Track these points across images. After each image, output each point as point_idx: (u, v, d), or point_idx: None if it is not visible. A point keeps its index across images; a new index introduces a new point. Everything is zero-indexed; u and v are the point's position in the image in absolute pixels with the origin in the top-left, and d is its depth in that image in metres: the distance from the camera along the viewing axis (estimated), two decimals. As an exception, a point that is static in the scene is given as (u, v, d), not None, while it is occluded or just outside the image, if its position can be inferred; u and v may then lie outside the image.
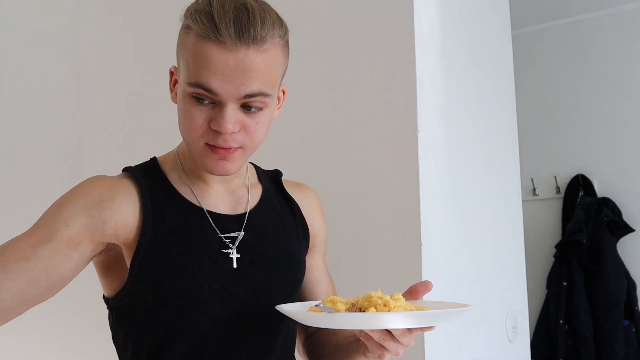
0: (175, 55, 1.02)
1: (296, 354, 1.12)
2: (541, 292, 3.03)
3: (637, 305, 2.87)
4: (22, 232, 0.95)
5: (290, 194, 1.13)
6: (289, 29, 0.98)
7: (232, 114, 0.90)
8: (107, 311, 1.06)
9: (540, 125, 3.25)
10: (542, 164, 3.21)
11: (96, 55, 2.28)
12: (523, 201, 2.01)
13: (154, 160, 1.07)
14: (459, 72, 1.65)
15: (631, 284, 2.89)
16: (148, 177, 1.01)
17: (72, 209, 0.94)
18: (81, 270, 0.96)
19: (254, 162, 1.16)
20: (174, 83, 1.02)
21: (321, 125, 1.60)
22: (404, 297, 0.92)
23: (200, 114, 0.92)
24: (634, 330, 2.83)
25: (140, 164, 1.06)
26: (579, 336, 2.82)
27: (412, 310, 0.88)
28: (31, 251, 0.89)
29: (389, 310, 0.86)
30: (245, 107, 0.92)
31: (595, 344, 2.81)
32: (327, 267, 1.20)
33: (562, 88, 3.24)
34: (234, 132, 0.92)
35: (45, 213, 0.97)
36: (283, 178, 1.16)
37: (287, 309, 0.91)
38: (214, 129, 0.91)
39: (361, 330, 0.89)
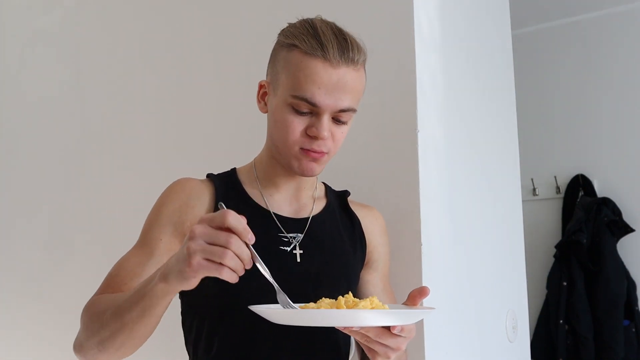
0: (269, 70, 1.14)
1: None
2: (541, 292, 3.03)
3: (637, 305, 2.87)
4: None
5: (354, 211, 1.26)
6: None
7: (327, 124, 1.06)
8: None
9: (540, 125, 3.25)
10: (542, 164, 3.21)
11: (96, 55, 2.27)
12: (523, 201, 2.00)
13: (233, 169, 1.22)
14: (459, 72, 1.65)
15: (631, 284, 2.89)
16: (222, 182, 1.17)
17: (160, 221, 1.10)
18: None
19: (325, 182, 1.29)
20: (262, 95, 1.14)
21: (321, 125, 1.60)
22: (404, 304, 0.97)
23: (299, 123, 1.06)
24: (634, 330, 2.83)
25: (221, 172, 1.21)
26: (579, 336, 2.81)
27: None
28: (140, 269, 1.05)
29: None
30: (335, 120, 1.07)
31: (595, 344, 2.81)
32: (391, 288, 1.27)
33: (562, 88, 3.24)
34: (326, 139, 1.06)
35: (144, 226, 1.13)
36: (351, 198, 1.28)
37: (257, 307, 0.94)
38: (310, 136, 1.06)
39: (357, 333, 0.93)
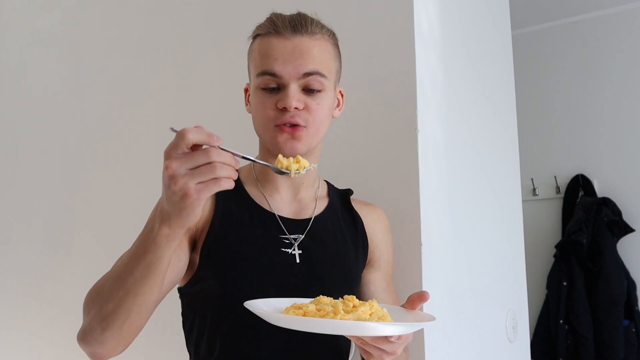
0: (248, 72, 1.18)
1: None
2: (541, 292, 3.03)
3: (637, 305, 2.87)
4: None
5: (357, 210, 1.25)
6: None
7: (294, 92, 1.06)
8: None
9: (540, 125, 3.25)
10: (542, 164, 3.21)
11: (96, 55, 2.27)
12: (523, 201, 2.01)
13: None
14: (459, 72, 1.65)
15: (631, 284, 2.89)
16: None
17: None
18: (186, 266, 1.09)
19: (328, 181, 1.28)
20: (248, 98, 1.18)
21: (321, 125, 1.60)
22: (403, 307, 0.97)
23: (269, 100, 1.08)
24: (634, 330, 2.82)
25: None
26: (579, 336, 2.81)
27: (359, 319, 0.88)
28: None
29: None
30: (307, 91, 1.08)
31: (595, 344, 2.81)
32: (394, 287, 1.27)
33: (562, 88, 3.24)
34: (298, 109, 1.07)
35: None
36: (353, 197, 1.28)
37: (252, 306, 0.93)
38: (280, 109, 1.07)
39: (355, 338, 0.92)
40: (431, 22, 1.53)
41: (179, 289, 1.16)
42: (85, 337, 0.94)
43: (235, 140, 1.80)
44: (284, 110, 1.07)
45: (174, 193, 0.79)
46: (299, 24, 1.08)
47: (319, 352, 1.11)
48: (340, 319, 0.87)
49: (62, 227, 2.27)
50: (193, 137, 0.78)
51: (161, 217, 0.83)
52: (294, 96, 1.06)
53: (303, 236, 1.14)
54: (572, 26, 3.24)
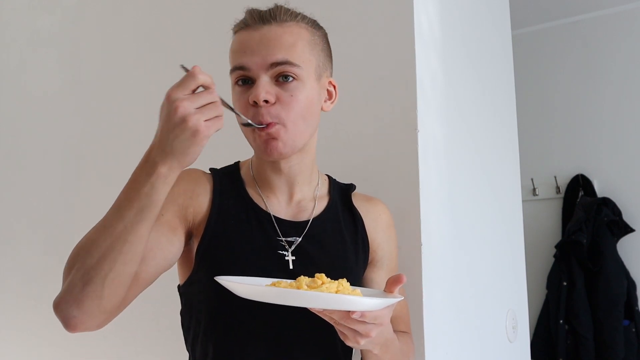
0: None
1: None
2: (541, 292, 3.03)
3: (637, 305, 2.87)
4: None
5: (358, 207, 1.20)
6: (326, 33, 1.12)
7: (264, 84, 1.01)
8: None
9: (540, 125, 3.25)
10: (542, 164, 3.21)
11: (96, 55, 2.27)
12: (523, 201, 2.01)
13: (236, 163, 1.20)
14: (459, 72, 1.65)
15: (631, 284, 2.89)
16: (225, 178, 1.14)
17: (166, 200, 0.98)
18: (179, 255, 1.06)
19: (330, 175, 1.24)
20: None
21: (321, 126, 1.60)
22: (383, 291, 0.96)
23: (242, 96, 1.03)
24: (634, 330, 2.83)
25: (224, 166, 1.19)
26: (579, 336, 2.81)
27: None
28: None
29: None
30: (279, 79, 1.02)
31: (595, 344, 2.81)
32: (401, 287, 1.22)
33: (562, 88, 3.24)
34: (269, 103, 1.01)
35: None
36: (355, 192, 1.24)
37: (223, 280, 0.92)
38: (252, 104, 1.01)
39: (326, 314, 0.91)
40: (431, 22, 1.53)
41: (178, 287, 1.15)
42: (62, 299, 0.89)
43: (235, 140, 1.81)
44: (255, 105, 1.01)
45: (184, 130, 0.83)
46: (268, 15, 1.04)
47: (314, 353, 1.09)
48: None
49: (62, 227, 2.27)
50: (203, 79, 0.85)
51: (160, 157, 0.85)
52: (263, 88, 1.00)
53: (300, 239, 1.10)
54: (572, 26, 3.24)
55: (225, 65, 1.86)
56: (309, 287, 0.89)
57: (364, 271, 1.20)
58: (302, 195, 1.15)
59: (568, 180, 3.13)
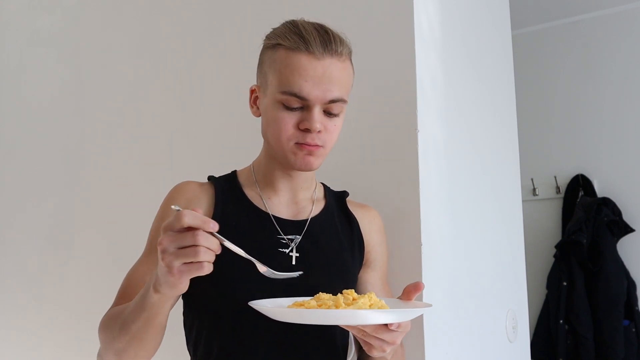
0: (258, 74, 1.16)
1: None
2: (541, 292, 3.03)
3: (637, 305, 2.87)
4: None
5: (352, 211, 1.26)
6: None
7: (319, 116, 1.07)
8: None
9: (540, 125, 3.25)
10: (542, 164, 3.21)
11: (96, 55, 2.27)
12: (523, 201, 2.00)
13: (233, 172, 1.24)
14: (459, 72, 1.65)
15: (631, 284, 2.89)
16: (225, 184, 1.19)
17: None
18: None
19: (324, 183, 1.29)
20: (254, 100, 1.16)
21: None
22: (400, 299, 1.00)
23: (290, 119, 1.07)
24: (634, 330, 2.83)
25: (222, 175, 1.23)
26: (579, 336, 2.81)
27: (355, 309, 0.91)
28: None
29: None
30: (326, 113, 1.08)
31: (595, 344, 2.81)
32: (389, 287, 1.28)
33: (562, 88, 3.24)
34: (319, 131, 1.07)
35: (149, 234, 1.17)
36: (349, 198, 1.29)
37: (258, 304, 0.95)
38: (302, 129, 1.07)
39: (355, 329, 0.95)
40: (431, 22, 1.53)
41: None
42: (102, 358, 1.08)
43: (235, 141, 1.81)
44: (306, 131, 1.07)
45: (161, 267, 0.85)
46: (329, 42, 1.06)
47: (316, 353, 1.12)
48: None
49: (62, 226, 2.27)
50: (188, 220, 0.82)
51: (154, 282, 0.90)
52: (318, 119, 1.06)
53: (300, 237, 1.14)
54: (572, 26, 3.24)
55: (225, 65, 1.86)
56: (346, 304, 0.92)
57: (359, 271, 1.24)
58: (302, 196, 1.20)
59: (568, 180, 3.13)
